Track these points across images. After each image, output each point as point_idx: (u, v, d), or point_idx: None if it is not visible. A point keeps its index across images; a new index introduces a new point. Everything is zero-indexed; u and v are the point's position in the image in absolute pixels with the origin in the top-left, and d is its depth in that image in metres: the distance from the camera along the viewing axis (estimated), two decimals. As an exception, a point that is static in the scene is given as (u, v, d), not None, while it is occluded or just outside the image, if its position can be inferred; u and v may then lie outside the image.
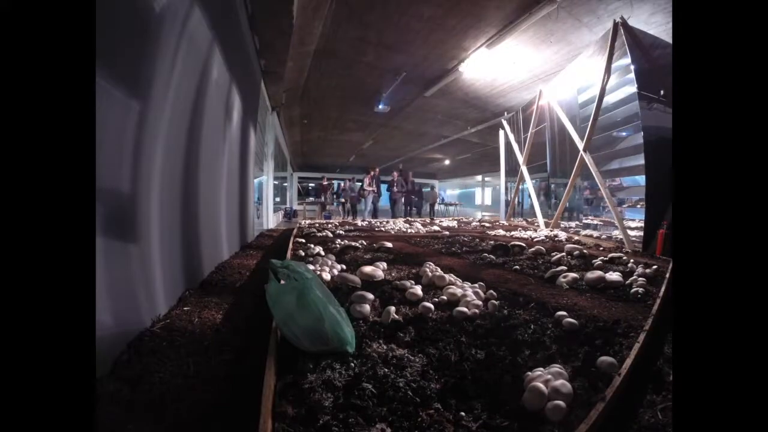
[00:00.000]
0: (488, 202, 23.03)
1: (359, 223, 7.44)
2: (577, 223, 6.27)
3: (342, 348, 1.14)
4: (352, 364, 1.09)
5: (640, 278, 2.17)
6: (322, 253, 3.14)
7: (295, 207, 14.21)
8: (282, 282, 1.24)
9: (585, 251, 3.19)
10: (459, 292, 1.79)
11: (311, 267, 2.28)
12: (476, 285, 1.96)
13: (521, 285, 2.16)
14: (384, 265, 2.55)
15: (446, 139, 11.84)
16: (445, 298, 1.77)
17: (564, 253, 3.07)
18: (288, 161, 15.28)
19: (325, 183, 12.28)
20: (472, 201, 26.63)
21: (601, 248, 3.73)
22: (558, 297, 1.90)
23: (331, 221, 8.01)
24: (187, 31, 1.93)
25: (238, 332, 1.52)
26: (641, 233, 3.65)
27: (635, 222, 4.88)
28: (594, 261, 2.84)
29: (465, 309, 1.58)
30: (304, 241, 4.11)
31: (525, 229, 5.90)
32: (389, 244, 3.61)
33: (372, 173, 9.82)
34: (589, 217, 6.01)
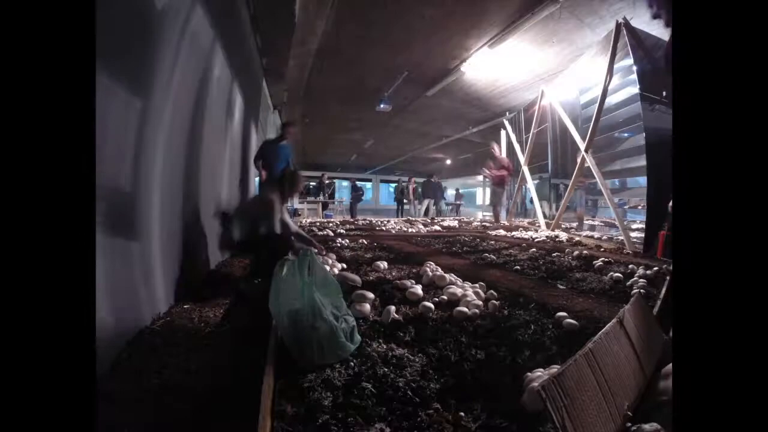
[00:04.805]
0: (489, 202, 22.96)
1: (360, 222, 7.45)
2: (578, 224, 6.25)
3: (343, 357, 1.12)
4: (352, 363, 1.09)
5: (641, 279, 2.17)
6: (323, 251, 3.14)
7: (296, 206, 14.20)
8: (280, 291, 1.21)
9: (585, 252, 3.19)
10: (459, 291, 1.79)
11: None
12: (477, 285, 1.95)
13: (522, 285, 2.16)
14: (384, 264, 2.56)
15: (448, 138, 11.82)
16: (445, 297, 1.76)
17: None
18: (289, 160, 15.27)
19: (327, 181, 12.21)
20: (473, 201, 26.60)
21: (602, 249, 3.73)
22: (558, 298, 1.90)
23: (332, 220, 8.02)
24: (189, 30, 1.93)
25: (238, 330, 1.53)
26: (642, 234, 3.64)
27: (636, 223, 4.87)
28: (595, 262, 2.84)
29: (465, 309, 1.58)
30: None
31: (526, 229, 5.89)
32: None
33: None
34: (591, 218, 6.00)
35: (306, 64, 6.08)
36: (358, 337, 1.22)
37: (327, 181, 12.11)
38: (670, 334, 1.13)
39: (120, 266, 1.32)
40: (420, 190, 11.52)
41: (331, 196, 12.05)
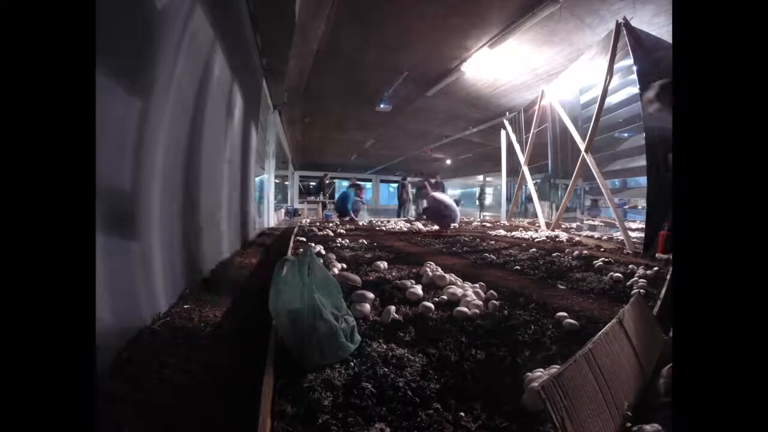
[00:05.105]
0: (489, 201, 23.06)
1: (360, 222, 7.45)
2: (578, 224, 6.26)
3: (343, 357, 1.12)
4: (352, 363, 1.09)
5: (641, 279, 2.17)
6: (323, 251, 3.15)
7: (296, 206, 14.22)
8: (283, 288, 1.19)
9: (585, 252, 3.19)
10: (459, 291, 1.79)
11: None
12: (477, 285, 1.95)
13: (522, 285, 2.16)
14: (384, 264, 2.56)
15: (448, 138, 11.81)
16: (445, 297, 1.76)
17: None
18: (289, 160, 15.28)
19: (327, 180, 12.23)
20: (473, 201, 26.65)
21: (602, 249, 3.73)
22: (558, 298, 1.90)
23: (332, 220, 8.01)
24: (189, 29, 1.93)
25: (238, 330, 1.53)
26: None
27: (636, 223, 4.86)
28: (595, 262, 2.84)
29: (465, 309, 1.58)
30: (305, 239, 4.11)
31: (526, 229, 5.89)
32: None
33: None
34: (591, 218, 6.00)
35: (306, 64, 6.08)
36: (358, 337, 1.22)
37: (327, 182, 12.12)
38: (670, 334, 1.13)
39: (120, 266, 1.32)
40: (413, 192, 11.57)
41: (331, 196, 12.06)
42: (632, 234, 4.07)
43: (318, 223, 6.66)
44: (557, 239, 4.52)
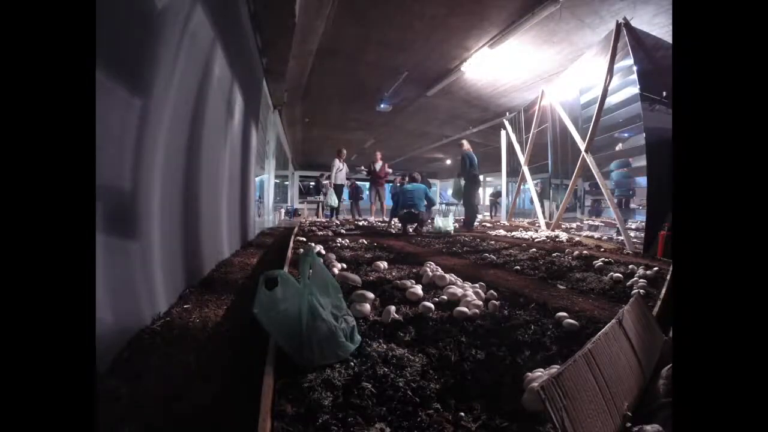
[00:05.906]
0: (489, 202, 23.05)
1: (360, 222, 7.44)
2: (578, 224, 6.26)
3: (343, 357, 1.12)
4: (352, 363, 1.09)
5: (641, 280, 2.17)
6: (323, 251, 3.15)
7: (296, 206, 14.22)
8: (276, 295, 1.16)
9: (585, 252, 3.19)
10: (459, 291, 1.79)
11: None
12: (477, 285, 1.95)
13: (522, 285, 2.16)
14: (384, 264, 2.56)
15: (448, 138, 11.82)
16: (445, 297, 1.76)
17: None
18: (289, 160, 15.27)
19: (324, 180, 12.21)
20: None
21: (602, 249, 3.73)
22: (558, 298, 1.90)
23: (332, 220, 8.01)
24: (189, 29, 1.92)
25: (238, 330, 1.52)
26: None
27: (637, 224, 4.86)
28: (595, 262, 2.84)
29: (465, 309, 1.58)
30: (305, 239, 4.12)
31: (526, 229, 5.89)
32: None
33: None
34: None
35: (306, 64, 6.08)
36: (358, 337, 1.22)
37: (325, 181, 12.09)
38: (670, 334, 1.13)
39: (120, 266, 1.32)
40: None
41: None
42: (632, 234, 4.07)
43: (318, 224, 6.66)
44: (557, 239, 4.52)
